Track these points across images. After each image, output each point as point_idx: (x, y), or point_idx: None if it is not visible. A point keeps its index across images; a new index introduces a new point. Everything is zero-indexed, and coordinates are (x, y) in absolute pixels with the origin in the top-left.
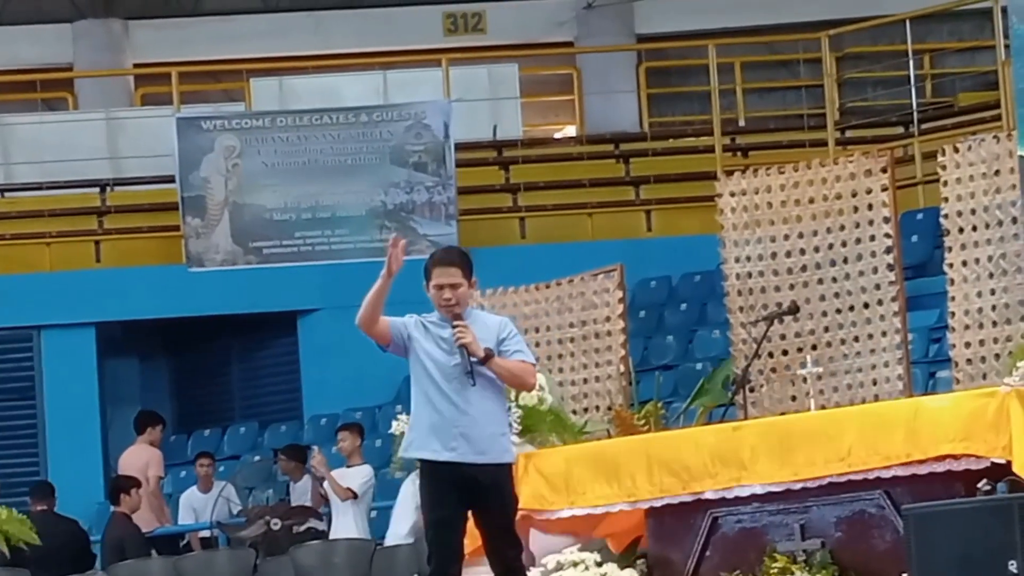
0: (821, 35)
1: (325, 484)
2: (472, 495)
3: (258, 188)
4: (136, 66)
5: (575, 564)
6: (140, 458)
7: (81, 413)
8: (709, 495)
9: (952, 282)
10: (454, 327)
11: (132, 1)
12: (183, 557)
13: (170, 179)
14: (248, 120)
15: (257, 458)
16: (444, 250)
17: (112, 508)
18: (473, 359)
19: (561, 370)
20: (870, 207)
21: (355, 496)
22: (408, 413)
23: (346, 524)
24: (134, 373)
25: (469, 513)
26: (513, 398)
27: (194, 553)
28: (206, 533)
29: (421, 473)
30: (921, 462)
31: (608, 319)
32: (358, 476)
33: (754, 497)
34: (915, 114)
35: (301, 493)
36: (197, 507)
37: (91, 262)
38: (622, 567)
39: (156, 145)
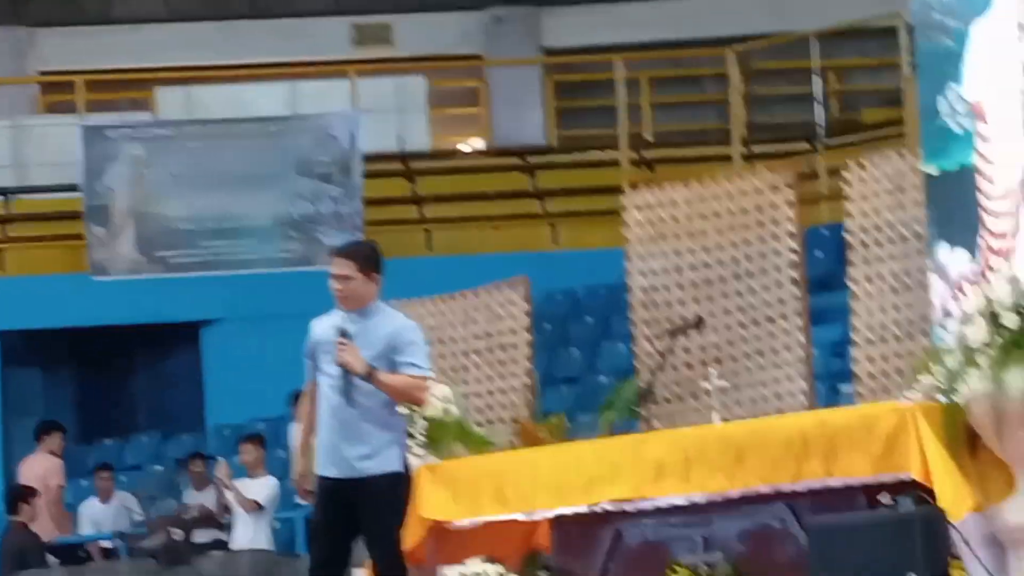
0: (727, 51)
1: (229, 495)
2: (353, 504)
3: (164, 197)
4: (42, 74)
5: None
6: (40, 467)
7: None
8: (612, 507)
9: (855, 297)
10: (337, 343)
11: (38, 9)
12: (84, 567)
13: (75, 188)
14: (154, 129)
15: (159, 468)
16: (347, 242)
17: (10, 517)
18: (354, 375)
19: (466, 382)
20: (775, 222)
21: (260, 508)
22: None
23: (248, 534)
24: (37, 383)
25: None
26: (418, 409)
27: (95, 563)
28: (107, 543)
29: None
30: (824, 476)
31: (513, 331)
32: (263, 488)
33: (658, 510)
34: (820, 130)
35: (201, 502)
36: (97, 518)
37: None
38: None
39: (61, 154)
